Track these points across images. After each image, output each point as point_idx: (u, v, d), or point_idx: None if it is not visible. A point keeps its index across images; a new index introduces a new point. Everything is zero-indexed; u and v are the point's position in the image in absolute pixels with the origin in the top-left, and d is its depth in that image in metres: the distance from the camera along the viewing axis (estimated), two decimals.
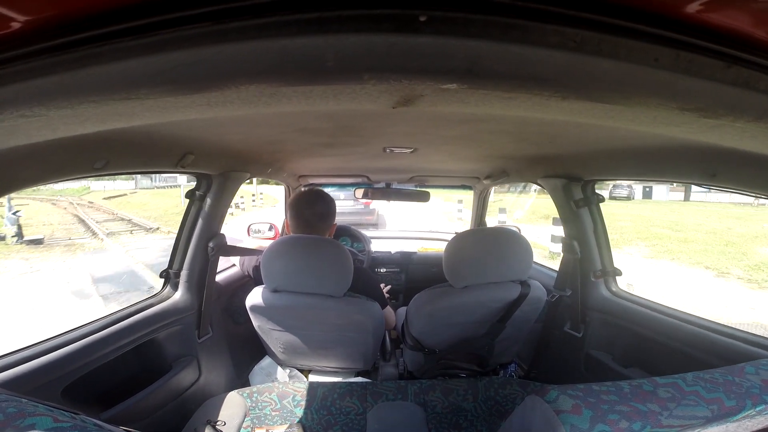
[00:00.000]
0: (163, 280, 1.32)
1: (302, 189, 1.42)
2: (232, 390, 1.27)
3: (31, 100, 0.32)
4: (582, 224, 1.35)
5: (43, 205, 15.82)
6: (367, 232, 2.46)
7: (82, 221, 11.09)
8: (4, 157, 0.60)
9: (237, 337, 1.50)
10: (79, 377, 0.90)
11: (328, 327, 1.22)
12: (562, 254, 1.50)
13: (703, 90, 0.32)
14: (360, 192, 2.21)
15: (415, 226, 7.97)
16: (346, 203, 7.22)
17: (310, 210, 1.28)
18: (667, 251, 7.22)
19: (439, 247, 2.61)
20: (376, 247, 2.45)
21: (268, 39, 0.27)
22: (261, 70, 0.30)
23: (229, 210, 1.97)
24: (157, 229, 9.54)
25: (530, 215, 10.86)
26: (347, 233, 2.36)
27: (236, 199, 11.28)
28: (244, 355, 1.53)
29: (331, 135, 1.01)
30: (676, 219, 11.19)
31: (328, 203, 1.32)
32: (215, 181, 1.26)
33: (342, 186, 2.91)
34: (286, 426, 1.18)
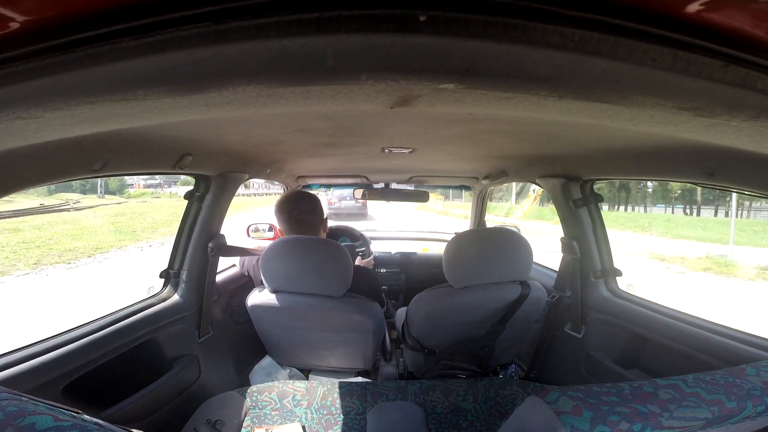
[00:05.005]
0: (163, 280, 1.32)
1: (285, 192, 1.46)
2: (232, 389, 1.27)
3: (28, 102, 0.32)
4: (581, 224, 1.35)
5: None
6: (367, 233, 2.46)
7: None
8: (2, 159, 0.60)
9: (237, 336, 1.50)
10: (79, 376, 0.90)
11: (328, 327, 1.22)
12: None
13: (700, 89, 0.32)
14: (359, 192, 2.22)
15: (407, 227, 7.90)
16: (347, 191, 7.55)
17: (297, 209, 1.33)
18: None
19: (439, 248, 2.61)
20: (376, 247, 2.44)
21: (267, 39, 0.27)
22: (260, 70, 0.30)
23: None
24: None
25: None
26: (347, 233, 2.35)
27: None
28: (244, 354, 1.53)
29: (329, 135, 1.01)
30: None
31: (312, 200, 1.38)
32: (214, 181, 1.26)
33: (341, 186, 2.93)
34: (286, 426, 1.17)
